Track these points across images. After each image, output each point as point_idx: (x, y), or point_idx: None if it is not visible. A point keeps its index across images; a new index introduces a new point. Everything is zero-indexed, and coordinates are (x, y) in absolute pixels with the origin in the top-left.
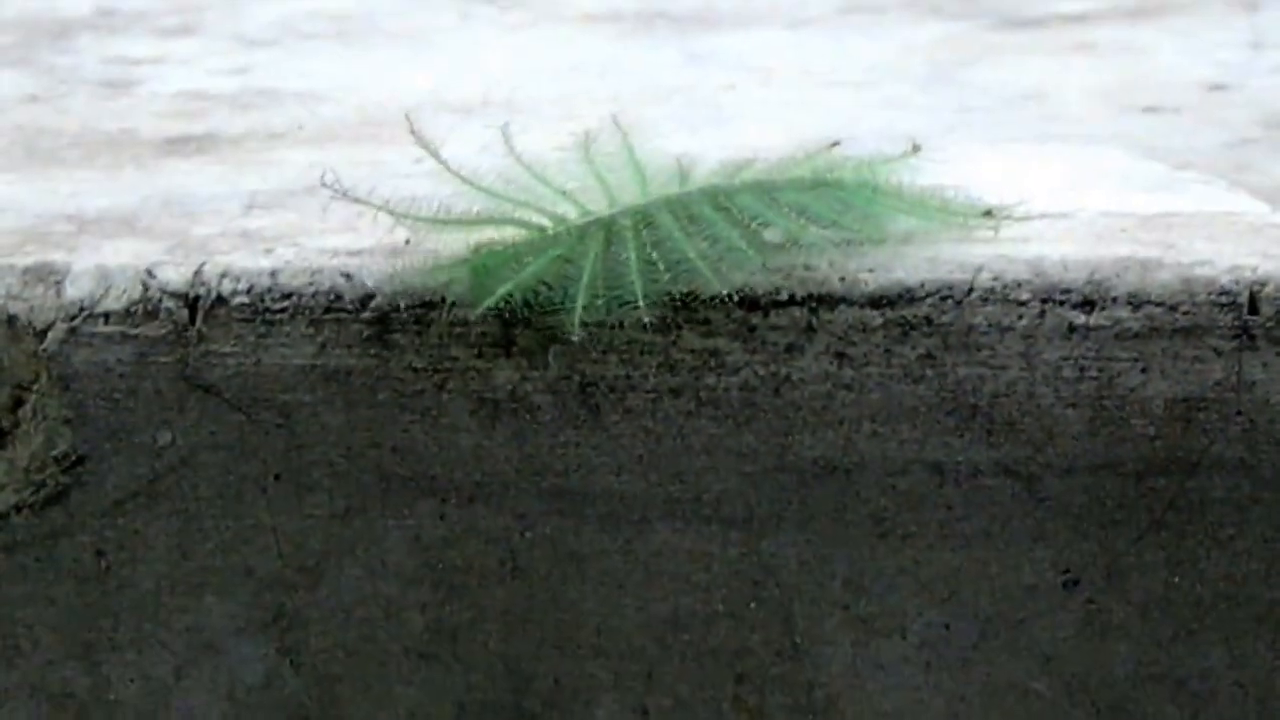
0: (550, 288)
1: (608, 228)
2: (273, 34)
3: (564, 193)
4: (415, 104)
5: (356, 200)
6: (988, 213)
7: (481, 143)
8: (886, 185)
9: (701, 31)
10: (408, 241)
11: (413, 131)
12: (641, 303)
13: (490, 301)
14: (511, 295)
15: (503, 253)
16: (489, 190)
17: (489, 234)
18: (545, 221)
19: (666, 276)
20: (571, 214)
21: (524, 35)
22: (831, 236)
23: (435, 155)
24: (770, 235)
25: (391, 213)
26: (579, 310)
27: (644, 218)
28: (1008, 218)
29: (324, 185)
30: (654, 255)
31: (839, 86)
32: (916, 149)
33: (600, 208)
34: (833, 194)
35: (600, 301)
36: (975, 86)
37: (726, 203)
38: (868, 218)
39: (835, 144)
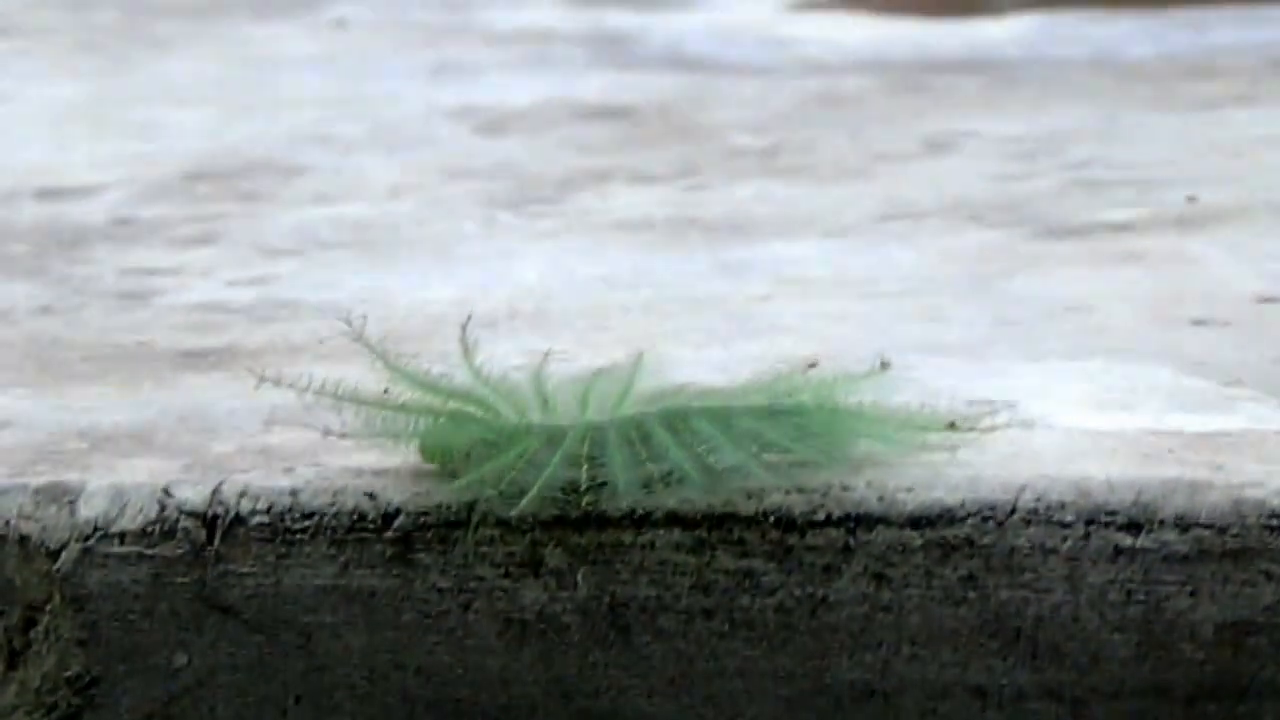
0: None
1: (551, 436)
2: (293, 243)
3: (509, 400)
4: (439, 316)
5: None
6: (951, 425)
7: (507, 355)
8: (846, 407)
9: (735, 240)
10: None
11: (462, 340)
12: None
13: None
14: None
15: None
16: (431, 384)
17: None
18: (489, 422)
19: (600, 490)
20: (512, 420)
21: (552, 244)
22: (790, 459)
23: (372, 351)
24: (724, 460)
25: (331, 395)
26: (523, 502)
27: (594, 432)
28: (972, 430)
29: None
30: (586, 469)
31: (876, 297)
32: (885, 365)
33: (560, 419)
34: (789, 420)
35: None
36: (1015, 298)
37: (681, 426)
38: (826, 442)
39: (812, 365)
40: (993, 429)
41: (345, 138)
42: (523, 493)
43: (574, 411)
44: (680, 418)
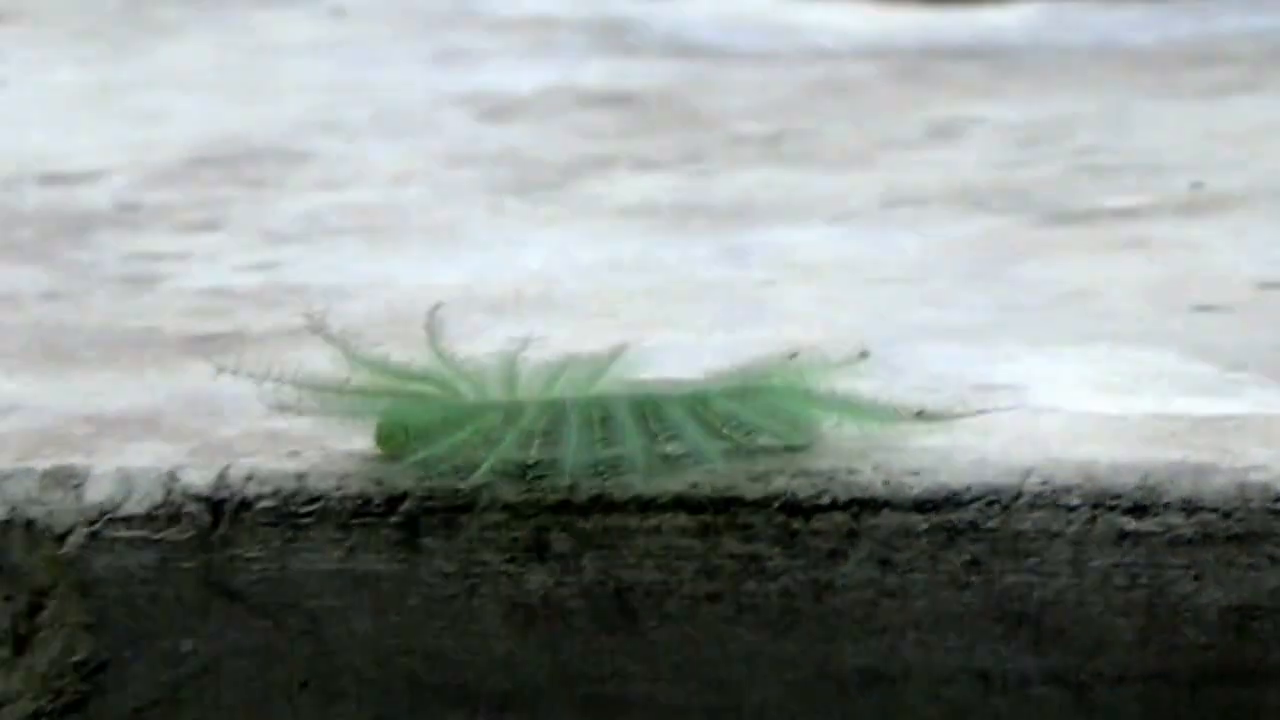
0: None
1: (509, 413)
2: (299, 228)
3: (472, 381)
4: (445, 302)
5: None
6: (919, 414)
7: (510, 341)
8: (816, 391)
9: (739, 226)
10: None
11: (426, 327)
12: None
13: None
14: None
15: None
16: (390, 368)
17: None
18: (448, 399)
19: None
20: (470, 398)
21: (556, 230)
22: (747, 443)
23: (332, 341)
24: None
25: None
26: (474, 475)
27: (554, 410)
28: (938, 418)
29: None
30: (537, 448)
31: (880, 283)
32: (864, 355)
33: (522, 398)
34: (763, 401)
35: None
36: (1020, 283)
37: (648, 409)
38: (796, 422)
39: (794, 355)
40: (961, 416)
41: (349, 124)
42: (475, 469)
43: (539, 392)
44: (646, 401)
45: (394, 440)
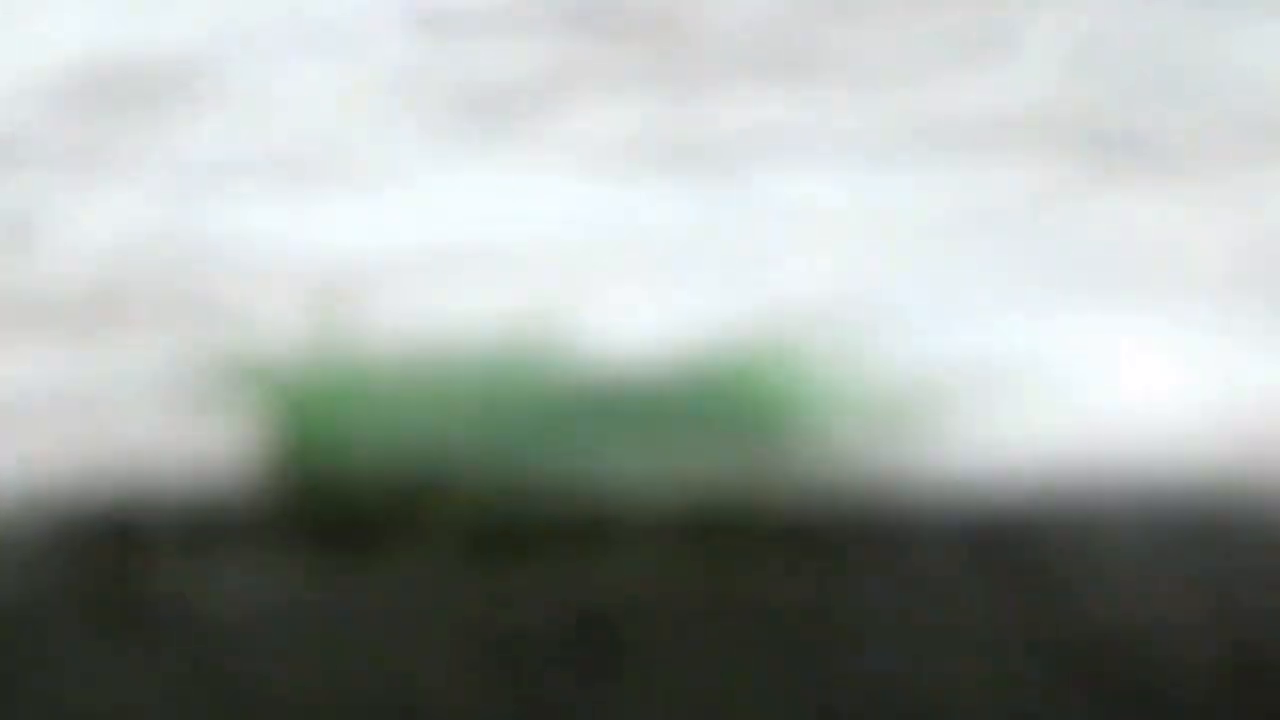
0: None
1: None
2: (202, 171)
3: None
4: (372, 261)
5: None
6: (907, 408)
7: (446, 309)
8: (788, 382)
9: (729, 167)
10: None
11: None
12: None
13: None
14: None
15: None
16: None
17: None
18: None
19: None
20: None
21: (509, 172)
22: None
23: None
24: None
25: None
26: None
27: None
28: (932, 413)
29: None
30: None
31: (904, 237)
32: (853, 335)
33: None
34: (730, 393)
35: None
36: (1077, 237)
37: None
38: (760, 419)
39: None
40: (954, 412)
41: (263, 39)
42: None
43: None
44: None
45: (299, 430)
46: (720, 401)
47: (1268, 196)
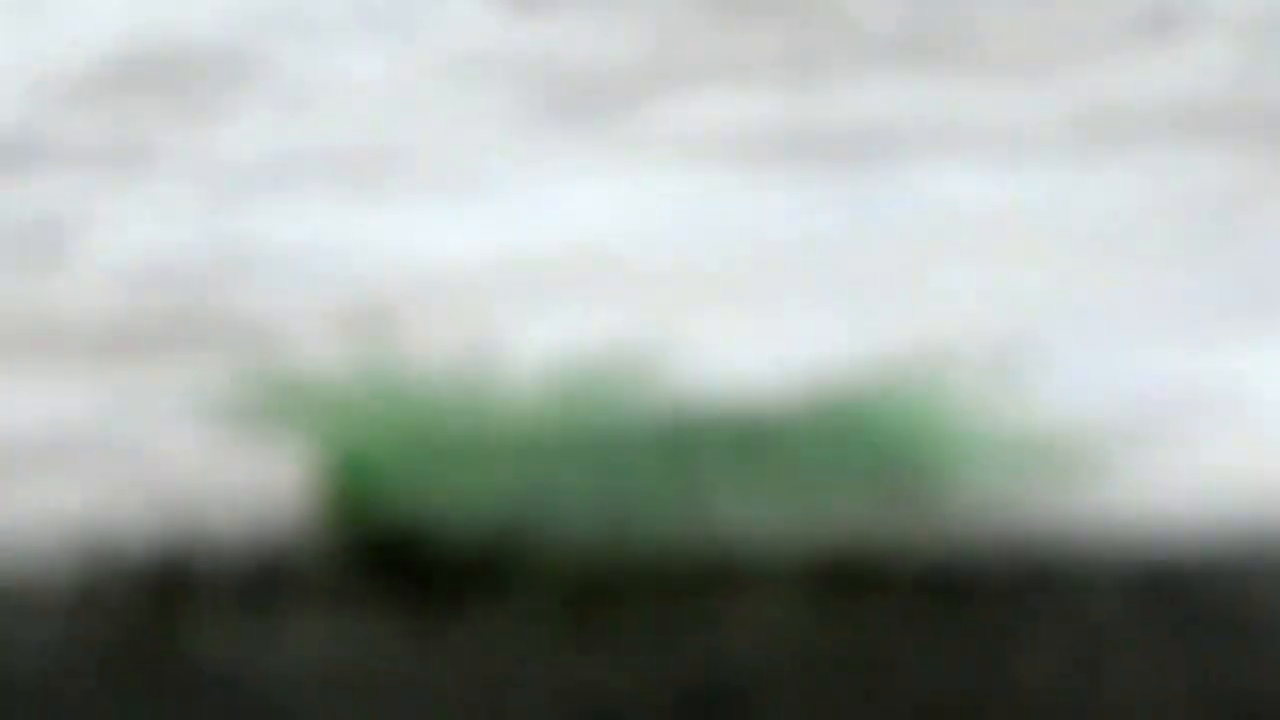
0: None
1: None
2: (249, 172)
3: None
4: (446, 278)
5: None
6: (1072, 462)
7: (539, 336)
8: (940, 425)
9: (863, 165)
10: None
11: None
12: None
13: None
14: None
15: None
16: None
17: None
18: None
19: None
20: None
21: (612, 173)
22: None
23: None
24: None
25: None
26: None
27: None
28: (1102, 467)
29: None
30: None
31: (1062, 250)
32: (1016, 367)
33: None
34: (859, 436)
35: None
36: (1266, 248)
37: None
38: (903, 470)
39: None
40: (1122, 454)
41: (320, 20)
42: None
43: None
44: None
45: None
46: (856, 440)
47: None
